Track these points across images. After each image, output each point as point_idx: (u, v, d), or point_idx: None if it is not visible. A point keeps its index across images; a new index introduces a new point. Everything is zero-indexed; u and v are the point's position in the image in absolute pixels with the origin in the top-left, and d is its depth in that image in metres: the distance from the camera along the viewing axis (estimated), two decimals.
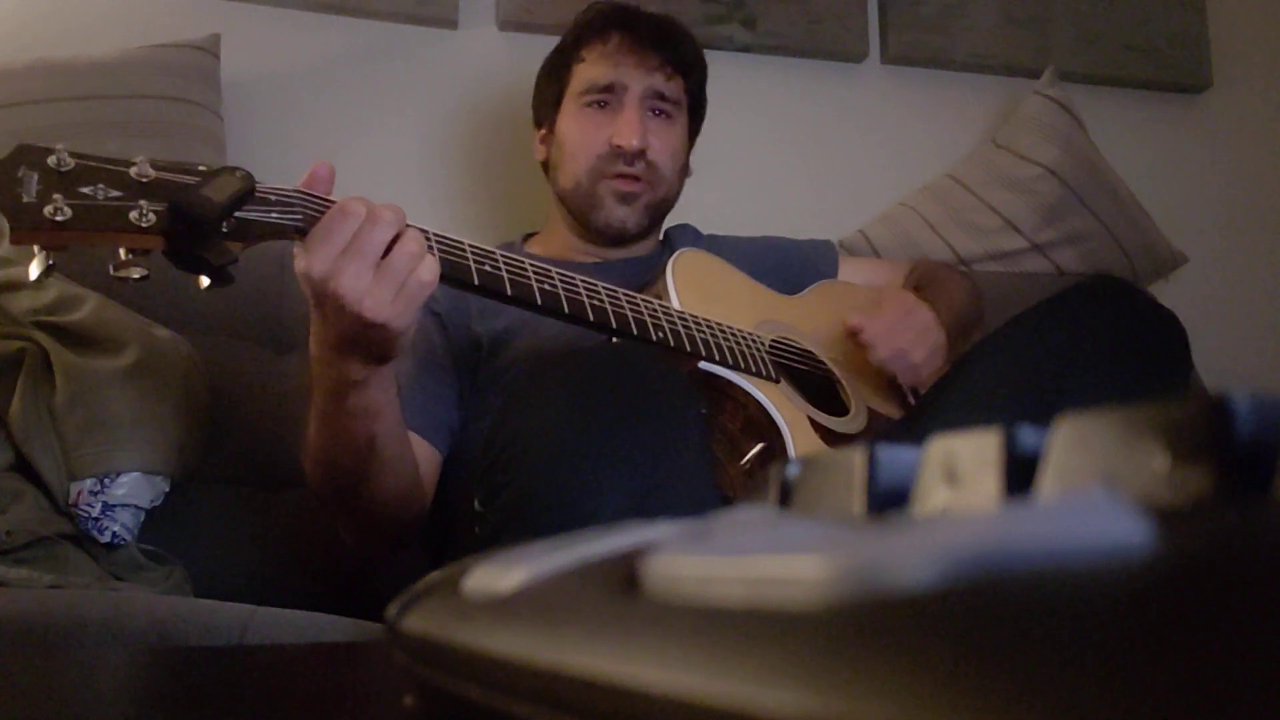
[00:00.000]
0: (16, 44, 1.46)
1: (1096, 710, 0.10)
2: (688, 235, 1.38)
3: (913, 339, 1.16)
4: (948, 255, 1.71)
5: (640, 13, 1.32)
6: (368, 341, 0.83)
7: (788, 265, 1.36)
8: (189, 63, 1.46)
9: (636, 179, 1.25)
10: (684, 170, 1.33)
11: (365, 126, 1.61)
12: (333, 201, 0.82)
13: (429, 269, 0.82)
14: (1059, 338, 0.93)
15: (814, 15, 1.79)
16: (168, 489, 1.13)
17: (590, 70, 1.27)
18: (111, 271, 0.74)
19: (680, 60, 1.30)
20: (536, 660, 0.18)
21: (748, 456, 1.03)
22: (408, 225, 0.82)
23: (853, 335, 1.17)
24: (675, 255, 1.15)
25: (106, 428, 1.07)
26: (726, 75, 1.49)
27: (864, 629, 0.13)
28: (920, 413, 1.07)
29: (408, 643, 0.26)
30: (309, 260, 0.80)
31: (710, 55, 1.40)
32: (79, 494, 1.05)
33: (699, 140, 1.40)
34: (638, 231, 1.27)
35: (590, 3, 1.35)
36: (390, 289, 0.80)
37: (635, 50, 1.26)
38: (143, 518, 1.10)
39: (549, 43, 1.40)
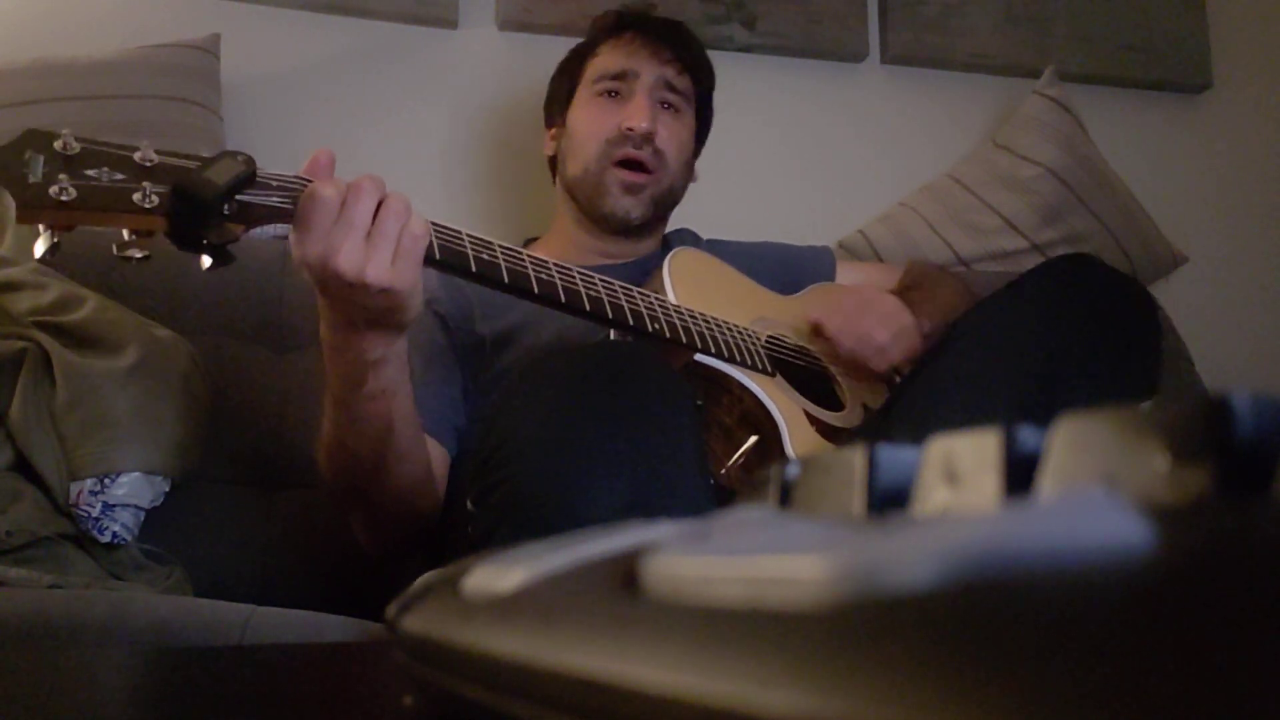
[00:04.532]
0: (16, 44, 1.46)
1: (1096, 710, 0.10)
2: (686, 240, 1.39)
3: (874, 323, 1.16)
4: (948, 255, 1.71)
5: (655, 15, 1.36)
6: (379, 311, 0.83)
7: (786, 269, 1.36)
8: (189, 63, 1.46)
9: (643, 168, 1.26)
10: (689, 168, 1.35)
11: (365, 126, 1.61)
12: None
13: (419, 223, 0.83)
14: (1033, 308, 0.95)
15: (814, 15, 1.79)
16: (168, 489, 1.13)
17: (603, 61, 1.31)
18: (114, 252, 0.75)
19: (691, 59, 1.33)
20: (536, 660, 0.18)
21: (743, 449, 1.03)
22: (389, 191, 0.83)
23: (817, 331, 1.18)
24: (672, 253, 1.15)
25: (106, 428, 1.07)
26: (726, 75, 1.49)
27: (864, 629, 0.13)
28: (904, 392, 1.07)
29: (408, 643, 0.26)
30: (303, 247, 0.80)
31: (710, 55, 1.40)
32: (79, 494, 1.05)
33: None
34: (642, 223, 1.28)
35: (605, 9, 1.38)
36: (387, 252, 0.81)
37: (649, 44, 1.30)
38: (143, 518, 1.10)
39: (549, 42, 1.41)
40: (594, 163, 1.27)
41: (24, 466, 1.06)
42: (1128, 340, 0.93)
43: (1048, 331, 0.92)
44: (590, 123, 1.28)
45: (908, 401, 1.01)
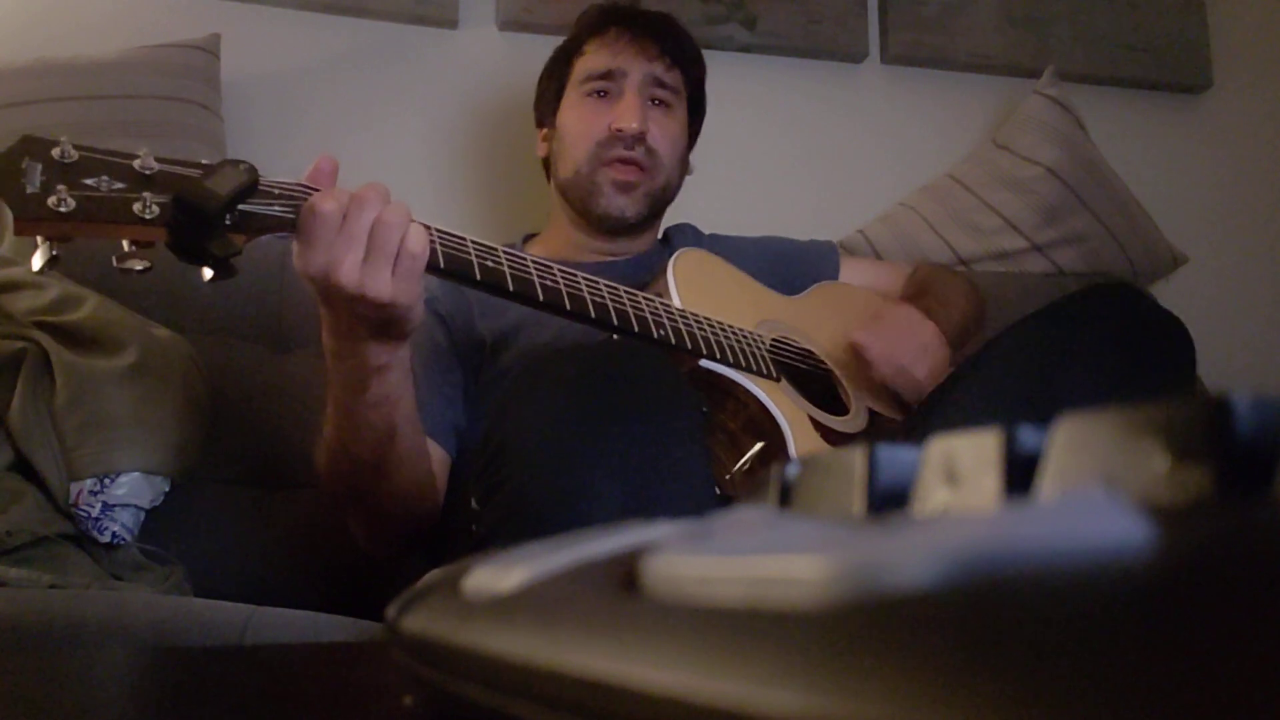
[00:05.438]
0: (16, 44, 1.46)
1: (1096, 710, 0.10)
2: (688, 235, 1.38)
3: (914, 356, 1.14)
4: (948, 255, 1.71)
5: (640, 9, 1.34)
6: (381, 322, 0.83)
7: (788, 265, 1.35)
8: (189, 63, 1.46)
9: (636, 165, 1.25)
10: (684, 163, 1.34)
11: (365, 127, 1.61)
12: None
13: (416, 240, 0.82)
14: (1063, 343, 0.93)
15: (814, 15, 1.79)
16: (168, 489, 1.13)
17: (590, 60, 1.29)
18: (115, 263, 0.74)
19: (679, 52, 1.31)
20: (536, 660, 0.18)
21: (748, 455, 1.03)
22: (390, 202, 0.82)
23: (856, 352, 1.16)
24: (676, 254, 1.15)
25: (106, 428, 1.07)
26: (726, 75, 1.50)
27: (864, 629, 0.13)
28: (922, 417, 1.07)
29: (408, 643, 0.26)
30: (305, 259, 0.80)
31: (710, 55, 1.40)
32: (79, 494, 1.05)
33: (699, 140, 1.40)
34: (637, 221, 1.27)
35: (591, 3, 1.36)
36: (385, 268, 0.80)
37: (635, 40, 1.28)
38: (143, 518, 1.10)
39: (549, 43, 1.40)
40: (585, 164, 1.26)
41: (24, 466, 1.06)
42: (1165, 381, 0.91)
43: (1075, 364, 0.91)
44: (580, 124, 1.27)
45: (930, 424, 1.00)
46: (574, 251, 1.29)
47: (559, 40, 1.38)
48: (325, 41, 1.61)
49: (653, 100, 1.28)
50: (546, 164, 1.36)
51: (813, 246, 1.44)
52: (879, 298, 1.39)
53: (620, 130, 1.24)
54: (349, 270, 0.79)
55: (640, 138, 1.24)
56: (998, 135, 1.81)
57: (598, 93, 1.27)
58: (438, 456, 1.06)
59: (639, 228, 1.29)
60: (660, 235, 1.37)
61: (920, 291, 1.34)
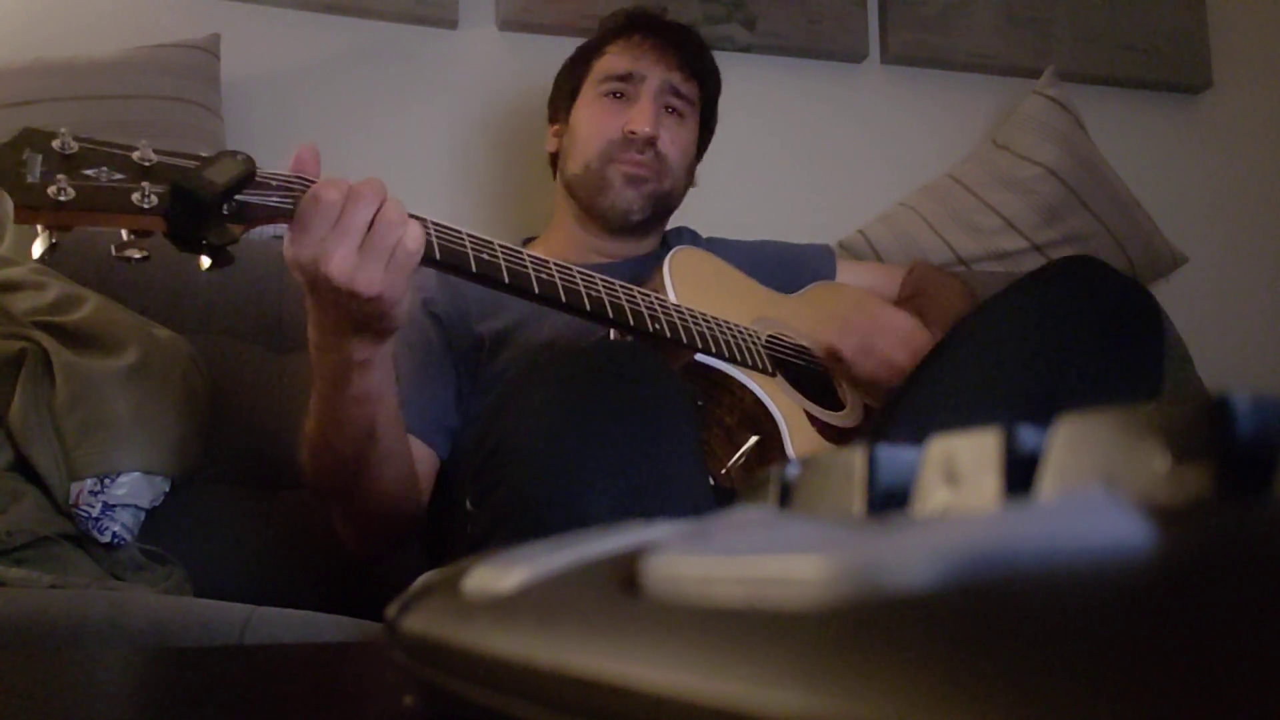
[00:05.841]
0: (16, 44, 1.46)
1: (1096, 710, 0.10)
2: (686, 238, 1.39)
3: (892, 345, 1.12)
4: (948, 255, 1.71)
5: (665, 19, 1.36)
6: (366, 317, 0.84)
7: (785, 267, 1.36)
8: (189, 63, 1.46)
9: (645, 167, 1.26)
10: (690, 174, 1.34)
11: (365, 126, 1.61)
12: None
13: (413, 237, 0.83)
14: (1035, 312, 0.94)
15: (814, 15, 1.79)
16: (168, 489, 1.13)
17: (610, 61, 1.30)
18: (113, 252, 0.75)
19: (699, 65, 1.33)
20: (536, 660, 0.18)
21: (743, 449, 1.03)
22: (387, 198, 0.82)
23: (832, 356, 1.14)
24: (672, 252, 1.15)
25: (106, 428, 1.07)
26: (727, 75, 1.49)
27: (864, 629, 0.13)
28: (905, 392, 1.06)
29: (408, 643, 0.26)
30: (296, 248, 0.80)
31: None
32: (79, 494, 1.05)
33: None
34: (641, 219, 1.28)
35: (605, 9, 1.37)
36: (379, 263, 0.81)
37: (657, 47, 1.30)
38: (143, 518, 1.10)
39: (549, 43, 1.41)
40: (596, 160, 1.26)
41: (24, 466, 1.06)
42: (1130, 343, 0.93)
43: (1050, 333, 0.92)
44: (593, 123, 1.28)
45: (909, 402, 1.01)
46: (574, 252, 1.29)
47: (559, 40, 1.39)
48: (325, 41, 1.62)
49: (667, 108, 1.29)
50: (554, 160, 1.36)
51: (809, 249, 1.45)
52: (875, 296, 1.39)
53: (633, 132, 1.25)
54: (340, 262, 0.79)
55: (651, 142, 1.25)
56: (997, 135, 1.81)
57: (614, 94, 1.28)
58: (423, 456, 1.06)
59: (641, 228, 1.30)
60: (660, 241, 1.38)
61: (912, 294, 1.34)
